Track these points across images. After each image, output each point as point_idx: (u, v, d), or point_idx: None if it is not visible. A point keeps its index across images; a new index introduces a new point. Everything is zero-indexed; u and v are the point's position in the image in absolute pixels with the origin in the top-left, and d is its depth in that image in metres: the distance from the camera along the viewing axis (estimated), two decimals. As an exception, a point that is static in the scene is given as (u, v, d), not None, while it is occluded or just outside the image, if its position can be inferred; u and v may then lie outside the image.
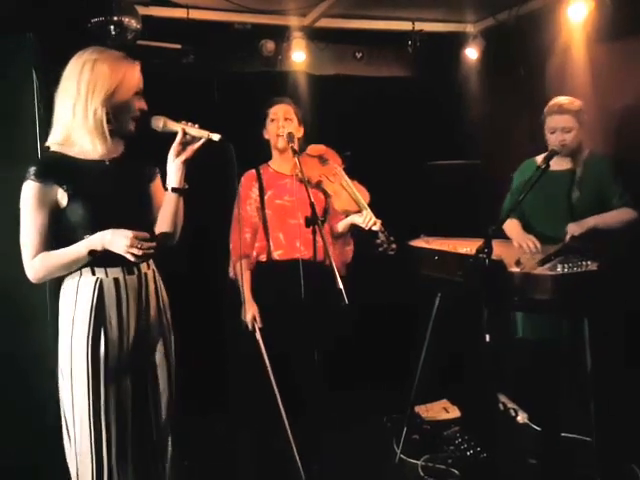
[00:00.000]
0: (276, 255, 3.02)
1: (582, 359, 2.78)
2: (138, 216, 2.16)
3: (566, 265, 2.70)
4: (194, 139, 2.13)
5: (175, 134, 2.13)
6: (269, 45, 4.11)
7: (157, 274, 2.28)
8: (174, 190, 2.17)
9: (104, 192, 2.09)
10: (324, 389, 2.82)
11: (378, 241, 2.90)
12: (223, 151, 2.09)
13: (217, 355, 3.81)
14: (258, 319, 2.96)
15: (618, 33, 3.40)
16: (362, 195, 3.06)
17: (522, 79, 4.07)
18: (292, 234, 3.00)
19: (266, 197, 3.06)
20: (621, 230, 2.90)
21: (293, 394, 2.95)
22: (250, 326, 2.95)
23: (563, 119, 2.94)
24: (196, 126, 2.13)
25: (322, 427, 2.97)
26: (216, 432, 3.63)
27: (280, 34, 4.15)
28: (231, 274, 3.09)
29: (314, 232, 2.71)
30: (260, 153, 3.18)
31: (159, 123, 2.13)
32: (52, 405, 2.27)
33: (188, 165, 2.17)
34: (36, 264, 2.06)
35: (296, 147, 2.94)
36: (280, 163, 3.13)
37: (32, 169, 2.03)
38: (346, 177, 3.09)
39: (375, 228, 2.89)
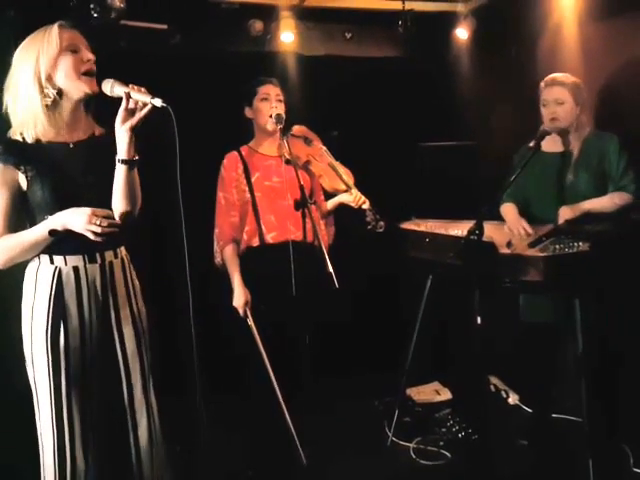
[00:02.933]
0: (269, 238, 2.96)
1: (574, 340, 2.78)
2: (104, 200, 2.06)
3: (557, 246, 2.70)
4: (140, 105, 1.95)
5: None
6: (257, 25, 4.04)
7: (127, 262, 2.20)
8: (122, 162, 2.00)
9: (65, 175, 2.03)
10: (314, 372, 2.82)
11: (367, 219, 2.95)
12: (164, 118, 1.91)
13: (211, 340, 3.77)
14: (250, 305, 2.91)
15: (610, 12, 3.37)
16: (347, 175, 3.07)
17: (513, 58, 4.04)
18: (283, 215, 2.96)
19: (253, 179, 3.00)
20: (616, 214, 2.87)
21: (285, 377, 2.94)
22: (242, 312, 2.91)
23: (556, 90, 2.91)
24: (142, 89, 1.95)
25: (313, 410, 2.97)
26: (213, 417, 3.61)
27: (268, 13, 4.07)
28: (217, 260, 3.02)
29: (304, 215, 2.70)
30: (244, 133, 3.12)
31: (107, 86, 1.98)
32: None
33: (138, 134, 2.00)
34: None
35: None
36: (265, 144, 3.08)
37: None
38: (332, 157, 3.08)
39: (365, 206, 2.97)
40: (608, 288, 2.83)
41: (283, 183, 2.95)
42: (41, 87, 1.99)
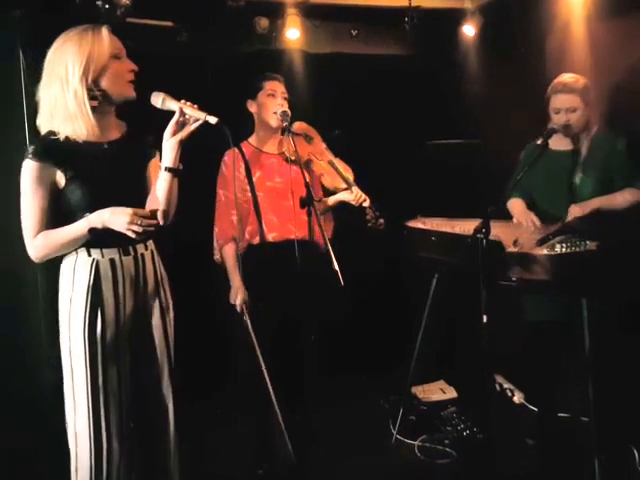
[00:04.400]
0: (270, 237, 2.97)
1: (581, 339, 2.76)
2: (136, 198, 2.15)
3: (565, 245, 2.67)
4: (191, 119, 2.08)
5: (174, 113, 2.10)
6: (263, 22, 4.03)
7: (156, 254, 2.29)
8: (168, 169, 2.14)
9: (101, 174, 2.10)
10: (319, 371, 2.82)
11: (367, 217, 2.97)
12: (219, 134, 2.06)
13: (210, 337, 3.78)
14: (247, 303, 2.92)
15: (618, 10, 3.34)
16: (347, 172, 3.07)
17: (521, 56, 4.01)
18: (285, 216, 2.96)
19: (255, 178, 2.98)
20: (624, 211, 2.85)
21: (290, 375, 2.94)
22: (239, 309, 2.92)
23: (568, 99, 2.86)
24: (195, 106, 2.08)
25: (319, 409, 2.98)
26: (211, 414, 3.63)
27: (274, 11, 4.07)
28: (216, 257, 3.03)
29: (309, 213, 2.69)
30: (243, 127, 3.11)
31: (158, 99, 2.09)
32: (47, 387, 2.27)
33: (185, 146, 2.13)
34: (37, 243, 2.07)
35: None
36: (266, 141, 3.06)
37: (31, 148, 2.04)
38: (332, 155, 3.08)
39: (365, 204, 2.98)
40: (616, 288, 2.82)
41: (285, 183, 2.95)
42: (89, 89, 2.04)
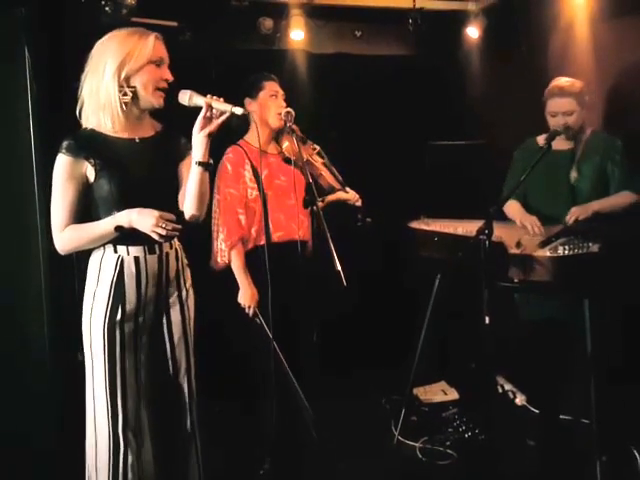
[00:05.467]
0: (275, 237, 2.97)
1: (583, 341, 2.76)
2: (165, 196, 2.21)
3: (567, 247, 2.68)
4: (218, 112, 2.11)
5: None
6: (267, 23, 4.04)
7: (181, 252, 2.33)
8: (199, 164, 2.15)
9: (131, 170, 2.14)
10: (321, 370, 2.82)
11: (359, 216, 3.05)
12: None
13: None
14: (259, 304, 2.90)
15: (620, 11, 3.35)
16: (338, 174, 3.13)
17: (524, 57, 4.01)
18: (290, 215, 2.97)
19: (263, 177, 2.96)
20: (624, 213, 2.86)
21: (292, 374, 2.95)
22: (251, 312, 2.91)
23: (564, 102, 2.89)
24: (221, 100, 2.11)
25: (320, 409, 2.97)
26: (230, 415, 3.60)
27: (278, 11, 4.08)
28: (219, 259, 2.95)
29: (312, 213, 2.70)
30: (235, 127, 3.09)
31: (185, 97, 2.12)
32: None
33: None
34: (65, 236, 2.12)
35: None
36: (265, 141, 3.04)
37: (65, 143, 2.09)
38: (325, 156, 3.12)
39: (358, 204, 3.09)
40: (618, 289, 2.82)
41: (289, 182, 2.95)
42: (120, 85, 2.08)
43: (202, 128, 2.12)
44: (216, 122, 2.11)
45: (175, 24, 3.87)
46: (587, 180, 2.92)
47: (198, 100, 2.11)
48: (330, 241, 2.62)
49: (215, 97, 2.11)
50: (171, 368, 2.29)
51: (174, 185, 2.27)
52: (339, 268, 2.50)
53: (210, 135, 2.12)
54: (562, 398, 3.21)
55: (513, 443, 3.19)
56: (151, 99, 2.15)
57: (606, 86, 3.36)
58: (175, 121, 2.22)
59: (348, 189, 3.09)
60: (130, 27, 2.17)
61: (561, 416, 3.26)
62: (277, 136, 3.09)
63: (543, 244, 2.74)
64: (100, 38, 2.14)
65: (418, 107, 4.28)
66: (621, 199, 2.89)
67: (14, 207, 2.62)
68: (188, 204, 2.21)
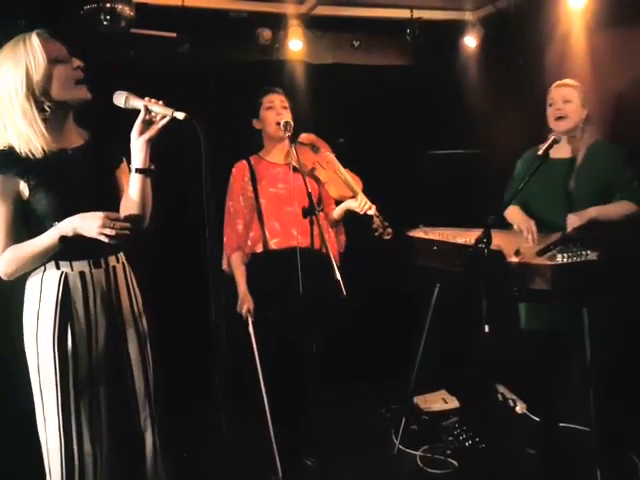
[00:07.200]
0: (272, 244, 3.00)
1: (582, 349, 2.76)
2: (105, 204, 2.02)
3: (565, 255, 2.68)
4: (158, 117, 1.95)
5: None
6: (265, 33, 4.06)
7: (127, 267, 2.21)
8: (138, 171, 2.02)
9: (66, 181, 2.01)
10: (321, 380, 2.81)
11: (374, 226, 2.94)
12: (191, 130, 1.86)
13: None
14: (252, 312, 2.94)
15: (618, 20, 3.37)
16: (355, 182, 3.08)
17: (521, 67, 4.04)
18: (288, 222, 2.98)
19: (259, 186, 3.03)
20: (620, 221, 2.86)
21: (292, 383, 2.94)
22: (245, 318, 2.94)
23: (565, 90, 2.94)
24: (160, 103, 1.95)
25: (321, 418, 2.97)
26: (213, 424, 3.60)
27: (277, 22, 4.10)
28: (225, 267, 3.06)
29: (311, 222, 2.71)
30: (252, 143, 3.16)
31: (121, 98, 1.96)
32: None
33: (155, 146, 2.01)
34: (5, 257, 1.99)
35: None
36: (273, 153, 3.12)
37: None
38: (339, 164, 3.09)
39: (370, 212, 2.94)
40: (617, 297, 2.82)
41: (289, 190, 2.97)
42: (37, 102, 1.96)
43: (141, 133, 1.97)
44: (156, 127, 1.95)
45: (174, 35, 3.90)
46: (586, 188, 2.92)
47: (135, 102, 1.95)
48: (331, 250, 2.63)
49: (154, 100, 1.95)
50: (128, 386, 2.14)
51: (113, 194, 2.13)
52: (339, 277, 2.51)
53: (150, 140, 1.98)
54: (562, 406, 3.20)
55: (513, 451, 3.19)
56: (76, 95, 2.01)
57: (604, 95, 3.37)
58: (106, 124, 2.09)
59: (360, 197, 2.97)
60: (13, 39, 2.00)
61: (561, 424, 3.25)
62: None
63: (541, 252, 2.74)
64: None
65: (416, 117, 4.30)
66: (619, 208, 2.88)
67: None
68: (129, 209, 2.06)
